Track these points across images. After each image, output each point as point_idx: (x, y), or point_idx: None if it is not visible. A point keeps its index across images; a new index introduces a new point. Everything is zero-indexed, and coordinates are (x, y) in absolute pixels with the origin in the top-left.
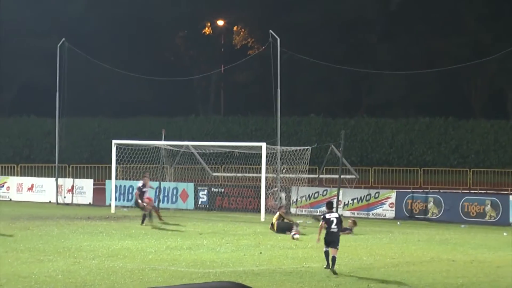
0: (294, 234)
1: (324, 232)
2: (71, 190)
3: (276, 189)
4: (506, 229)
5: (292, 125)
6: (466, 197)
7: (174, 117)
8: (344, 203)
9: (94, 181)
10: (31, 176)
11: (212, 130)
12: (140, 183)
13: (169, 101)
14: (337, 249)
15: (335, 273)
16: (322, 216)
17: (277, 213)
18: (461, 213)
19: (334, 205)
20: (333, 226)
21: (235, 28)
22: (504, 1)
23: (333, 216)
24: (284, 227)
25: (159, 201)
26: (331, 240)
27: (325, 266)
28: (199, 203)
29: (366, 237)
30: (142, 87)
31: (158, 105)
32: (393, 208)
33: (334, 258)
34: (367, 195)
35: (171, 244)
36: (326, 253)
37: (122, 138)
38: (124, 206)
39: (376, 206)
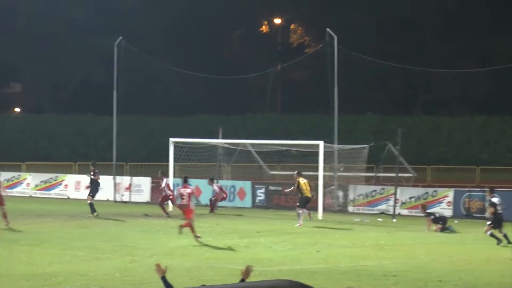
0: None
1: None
2: (129, 188)
3: (333, 187)
4: None
5: (349, 124)
6: None
7: (230, 115)
8: (402, 201)
9: (152, 179)
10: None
11: (268, 128)
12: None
13: (225, 99)
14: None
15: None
16: (489, 202)
17: (305, 181)
18: None
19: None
20: (499, 208)
21: (292, 27)
22: None
23: (497, 200)
24: (303, 202)
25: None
26: (499, 222)
27: (497, 243)
28: (257, 201)
29: (423, 235)
30: (198, 85)
31: (214, 103)
32: (451, 207)
33: (506, 235)
34: (425, 193)
35: (228, 242)
36: (492, 235)
37: (179, 136)
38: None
39: (434, 205)
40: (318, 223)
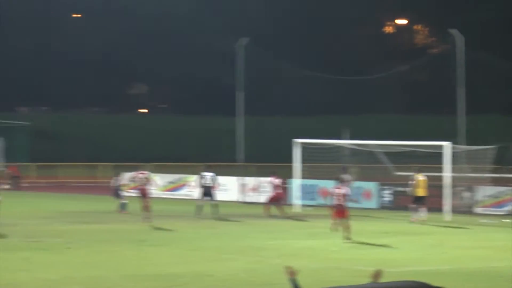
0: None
1: None
2: (254, 189)
3: (460, 188)
4: None
5: (474, 124)
6: None
7: (354, 116)
8: None
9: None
10: None
11: (392, 129)
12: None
13: (349, 99)
14: None
15: None
16: None
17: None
18: None
19: None
20: None
21: (417, 27)
22: None
23: None
24: (414, 200)
25: None
26: None
27: None
28: (383, 202)
29: None
30: (323, 86)
31: (338, 103)
32: None
33: None
34: None
35: (354, 243)
36: None
37: (304, 136)
38: (308, 205)
39: None
40: (444, 224)
